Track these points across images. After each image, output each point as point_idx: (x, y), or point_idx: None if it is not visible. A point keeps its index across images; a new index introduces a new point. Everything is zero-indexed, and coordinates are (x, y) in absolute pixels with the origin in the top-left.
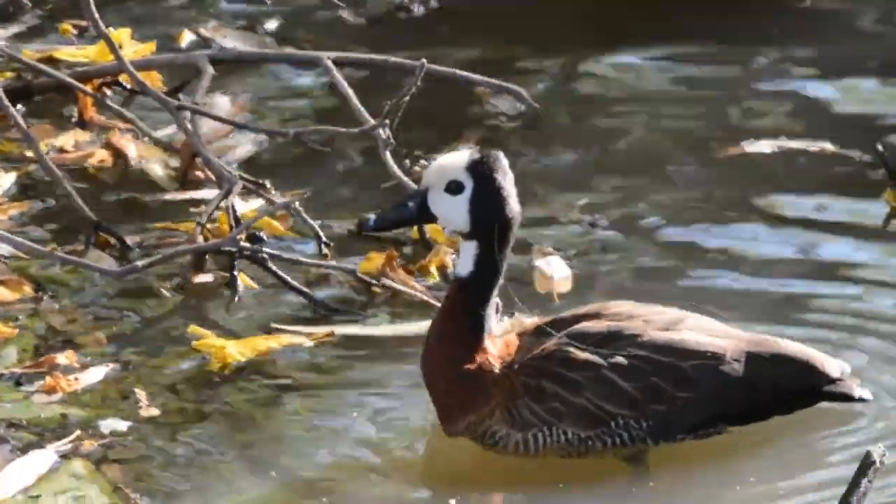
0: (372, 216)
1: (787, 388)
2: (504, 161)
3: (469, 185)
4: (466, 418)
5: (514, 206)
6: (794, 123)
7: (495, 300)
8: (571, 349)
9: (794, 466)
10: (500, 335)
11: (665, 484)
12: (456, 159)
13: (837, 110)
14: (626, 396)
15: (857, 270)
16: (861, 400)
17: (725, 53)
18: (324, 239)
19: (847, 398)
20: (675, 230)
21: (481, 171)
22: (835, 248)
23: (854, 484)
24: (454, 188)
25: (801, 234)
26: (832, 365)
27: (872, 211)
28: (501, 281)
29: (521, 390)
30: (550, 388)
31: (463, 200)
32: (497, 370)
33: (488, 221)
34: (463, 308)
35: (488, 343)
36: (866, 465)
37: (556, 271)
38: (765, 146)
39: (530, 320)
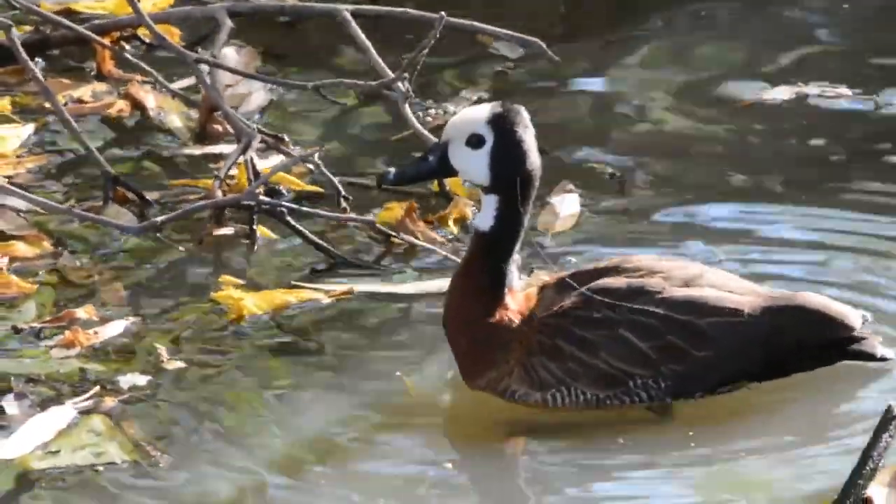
0: (392, 170)
1: (807, 342)
2: (525, 115)
3: (490, 138)
4: (487, 374)
5: (534, 160)
6: (810, 69)
7: (517, 256)
8: (587, 306)
9: (816, 420)
10: (521, 289)
11: (686, 436)
12: (477, 113)
13: (853, 54)
14: (643, 356)
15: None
16: (883, 359)
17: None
18: (342, 192)
19: (869, 357)
20: (694, 181)
21: (502, 125)
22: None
23: (875, 438)
24: (475, 142)
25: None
26: (853, 316)
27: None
28: (523, 236)
29: (537, 349)
30: (567, 348)
31: (483, 154)
32: (515, 327)
33: (509, 175)
34: (483, 264)
35: (509, 299)
36: (888, 419)
37: (564, 208)
38: (783, 93)
39: (550, 275)
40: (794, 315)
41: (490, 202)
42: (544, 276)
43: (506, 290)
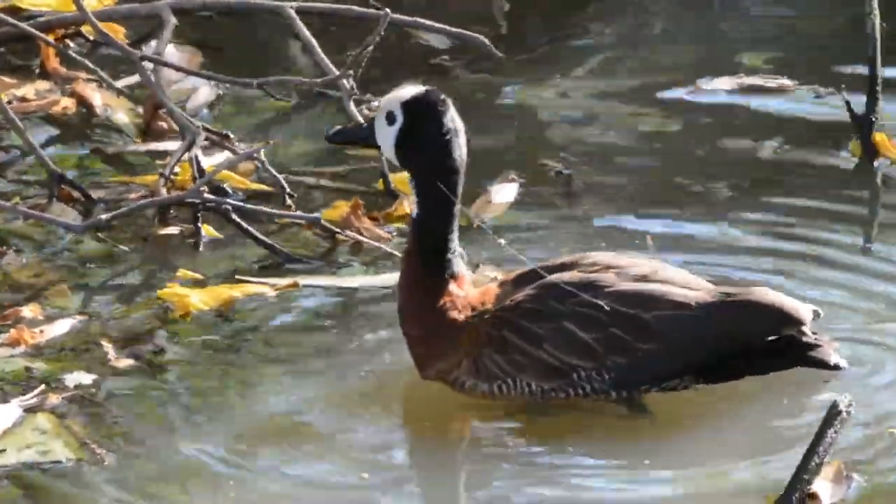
0: (337, 128)
1: (756, 337)
2: (446, 106)
3: (400, 119)
4: (436, 365)
5: (442, 149)
6: (752, 59)
7: (456, 245)
8: (536, 300)
9: (761, 419)
10: (482, 283)
11: (639, 436)
12: (400, 93)
13: (796, 45)
14: (585, 347)
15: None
16: (837, 367)
17: None
18: (287, 189)
19: (823, 364)
20: (634, 176)
21: (414, 109)
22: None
23: (820, 433)
24: (390, 119)
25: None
26: (804, 310)
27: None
28: (455, 224)
29: (485, 340)
30: (512, 340)
31: (392, 132)
32: (465, 318)
33: (413, 158)
34: (417, 250)
35: (455, 287)
36: (832, 414)
37: (499, 196)
38: (724, 83)
39: (494, 273)
40: (742, 309)
41: (413, 187)
42: (490, 273)
43: (448, 276)
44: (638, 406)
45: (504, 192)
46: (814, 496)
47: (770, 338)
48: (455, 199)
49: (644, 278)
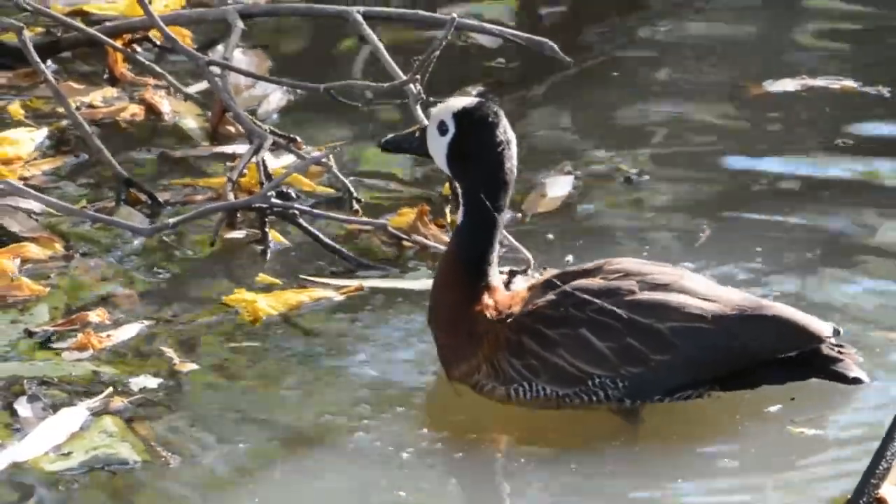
0: (390, 136)
1: (772, 352)
2: (498, 118)
3: (452, 129)
4: (461, 366)
5: (494, 160)
6: (816, 61)
7: (496, 255)
8: (556, 305)
9: (816, 421)
10: (516, 287)
11: (673, 443)
12: (452, 103)
13: (860, 48)
14: (601, 356)
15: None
16: (856, 381)
17: None
18: (355, 194)
19: (841, 378)
20: (702, 182)
21: (466, 121)
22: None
23: (889, 436)
24: (442, 130)
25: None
26: (823, 328)
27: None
28: (498, 234)
29: (504, 344)
30: (529, 345)
31: (444, 143)
32: (490, 323)
33: (463, 168)
34: (457, 255)
35: (486, 296)
36: None
37: (554, 189)
38: (788, 85)
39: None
40: (758, 324)
41: (461, 195)
42: (537, 276)
43: (484, 283)
44: (632, 414)
45: (559, 186)
46: (882, 500)
47: (784, 354)
48: (502, 211)
49: (665, 287)
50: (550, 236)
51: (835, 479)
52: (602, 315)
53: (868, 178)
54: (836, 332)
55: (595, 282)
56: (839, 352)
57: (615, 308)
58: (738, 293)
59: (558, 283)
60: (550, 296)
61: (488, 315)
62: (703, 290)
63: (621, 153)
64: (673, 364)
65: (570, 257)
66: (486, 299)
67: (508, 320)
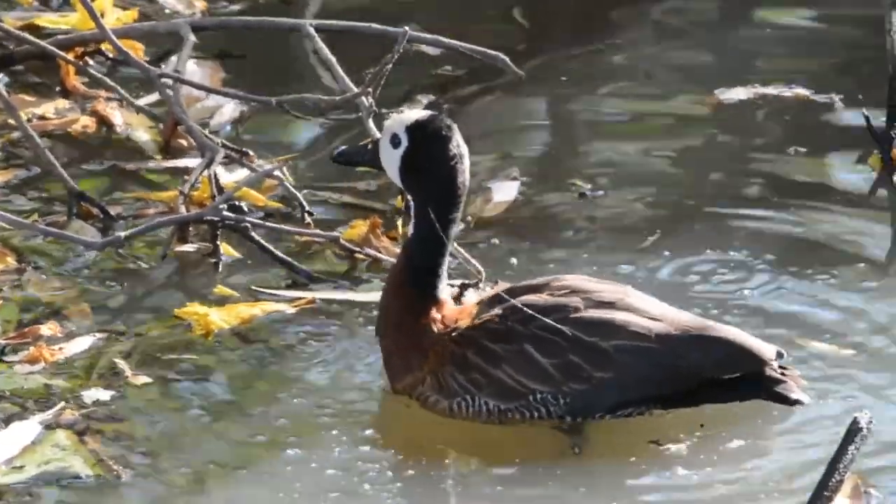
0: (342, 148)
1: (714, 373)
2: (451, 131)
3: (405, 142)
4: (405, 379)
5: (445, 174)
6: (767, 69)
7: (445, 269)
8: (501, 321)
9: (771, 435)
10: (465, 302)
11: (633, 463)
12: (405, 116)
13: (811, 56)
14: (543, 372)
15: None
16: (797, 403)
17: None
18: (306, 207)
19: (783, 399)
20: (654, 195)
21: (419, 134)
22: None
23: (841, 449)
24: (395, 143)
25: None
26: (766, 350)
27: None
28: (449, 246)
29: (448, 358)
30: (473, 359)
31: (397, 156)
32: (435, 336)
33: (415, 182)
34: (406, 267)
35: (434, 310)
36: (853, 430)
37: (499, 194)
38: (739, 94)
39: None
40: (703, 344)
41: (413, 207)
42: (488, 290)
43: (432, 296)
44: (576, 430)
45: (504, 191)
46: None
47: (728, 376)
48: (453, 225)
49: (611, 305)
50: (496, 241)
51: (788, 494)
52: (545, 331)
53: (821, 184)
54: (780, 355)
55: (541, 298)
56: (782, 373)
57: (558, 325)
58: (683, 313)
59: (506, 297)
60: (497, 310)
61: (435, 328)
62: (649, 308)
63: (570, 160)
64: (615, 382)
65: (514, 260)
66: (434, 312)
67: (454, 334)
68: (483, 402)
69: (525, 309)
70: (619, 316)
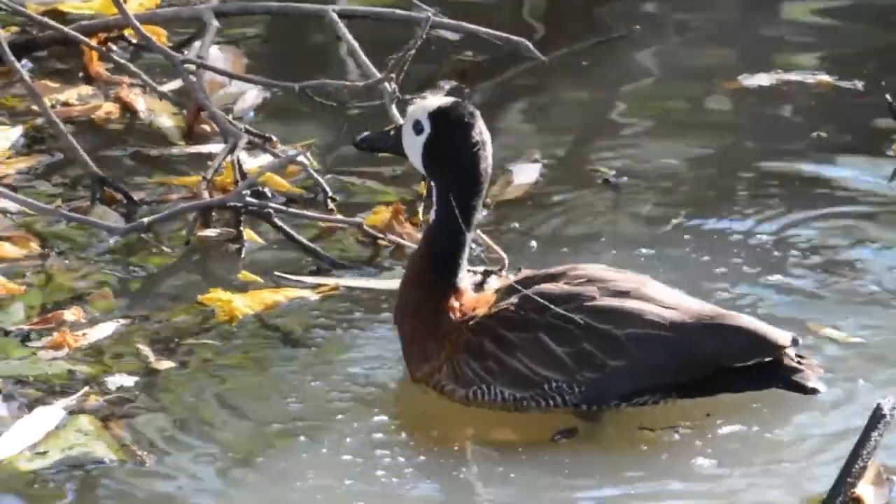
0: (365, 134)
1: (729, 361)
2: (474, 118)
3: (427, 129)
4: (423, 367)
5: (468, 161)
6: (791, 55)
7: (465, 256)
8: (517, 309)
9: (793, 423)
10: (486, 290)
11: (645, 451)
12: (428, 102)
13: (835, 43)
14: (558, 361)
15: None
16: (814, 391)
17: None
18: (330, 193)
19: (799, 388)
20: (676, 183)
21: (442, 121)
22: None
23: (864, 436)
24: (418, 129)
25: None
26: (781, 337)
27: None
28: (470, 234)
29: (464, 347)
30: (489, 348)
31: (420, 142)
32: (452, 324)
33: (438, 168)
34: (427, 254)
35: (453, 295)
36: (877, 417)
37: (520, 177)
38: (762, 79)
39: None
40: (718, 333)
41: (435, 193)
42: (511, 277)
43: (451, 284)
44: (592, 416)
45: (526, 173)
46: (858, 500)
47: (742, 363)
48: (475, 212)
49: (626, 294)
50: (516, 225)
51: (810, 479)
52: (560, 320)
53: (844, 170)
54: (795, 342)
55: (557, 287)
56: (799, 362)
57: (573, 314)
58: (699, 302)
59: (521, 287)
60: (513, 299)
61: (452, 316)
62: (665, 297)
63: (592, 144)
64: (629, 370)
65: (533, 243)
66: (452, 300)
67: (470, 322)
68: (499, 390)
69: (537, 298)
70: (634, 305)
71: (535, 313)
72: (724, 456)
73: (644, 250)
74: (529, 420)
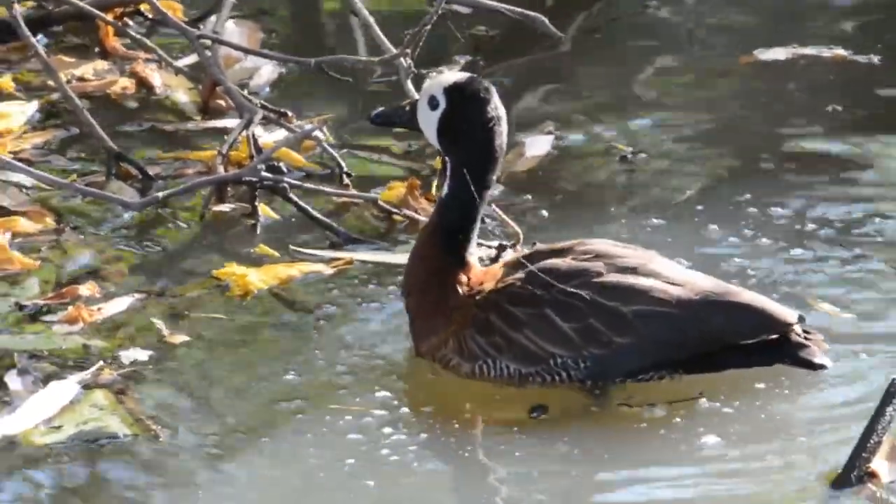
0: (380, 109)
1: (736, 338)
2: (489, 94)
3: (443, 104)
4: (429, 341)
5: (482, 137)
6: (807, 30)
7: (476, 232)
8: (524, 285)
9: (804, 397)
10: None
11: (661, 430)
12: (444, 78)
13: (851, 17)
14: (564, 336)
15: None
16: (821, 367)
17: None
18: (345, 168)
19: (806, 364)
20: (694, 159)
21: (457, 96)
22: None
23: (879, 411)
24: (433, 104)
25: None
26: (787, 315)
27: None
28: (481, 209)
29: (471, 321)
30: (496, 323)
31: (435, 117)
32: (459, 299)
33: (452, 144)
34: (437, 229)
35: (462, 270)
36: (891, 392)
37: (532, 149)
38: (778, 53)
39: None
40: (723, 309)
41: (448, 168)
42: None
43: (460, 259)
44: (601, 394)
45: (538, 145)
46: (873, 474)
47: (749, 341)
48: (489, 187)
49: (633, 270)
50: (528, 197)
51: (825, 454)
52: (566, 296)
53: (859, 144)
54: (802, 320)
55: (564, 262)
56: (806, 338)
57: (580, 290)
58: (706, 278)
59: (528, 262)
60: (520, 274)
61: (460, 291)
62: (672, 274)
63: (606, 118)
64: (635, 346)
65: (544, 212)
66: (461, 275)
67: (478, 297)
68: (504, 365)
69: (542, 275)
70: (640, 281)
71: (541, 288)
72: (734, 430)
73: (656, 221)
74: (534, 397)
